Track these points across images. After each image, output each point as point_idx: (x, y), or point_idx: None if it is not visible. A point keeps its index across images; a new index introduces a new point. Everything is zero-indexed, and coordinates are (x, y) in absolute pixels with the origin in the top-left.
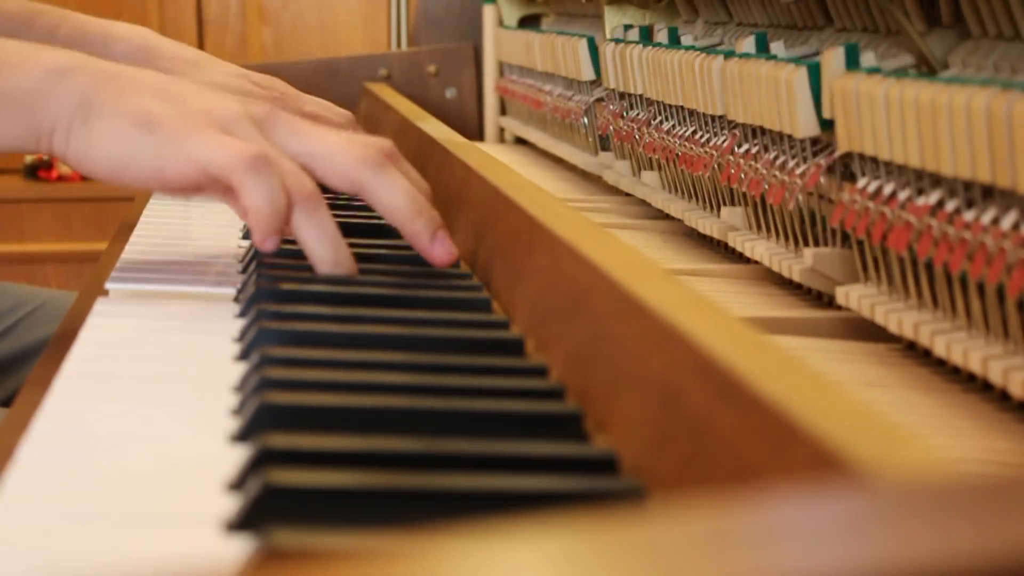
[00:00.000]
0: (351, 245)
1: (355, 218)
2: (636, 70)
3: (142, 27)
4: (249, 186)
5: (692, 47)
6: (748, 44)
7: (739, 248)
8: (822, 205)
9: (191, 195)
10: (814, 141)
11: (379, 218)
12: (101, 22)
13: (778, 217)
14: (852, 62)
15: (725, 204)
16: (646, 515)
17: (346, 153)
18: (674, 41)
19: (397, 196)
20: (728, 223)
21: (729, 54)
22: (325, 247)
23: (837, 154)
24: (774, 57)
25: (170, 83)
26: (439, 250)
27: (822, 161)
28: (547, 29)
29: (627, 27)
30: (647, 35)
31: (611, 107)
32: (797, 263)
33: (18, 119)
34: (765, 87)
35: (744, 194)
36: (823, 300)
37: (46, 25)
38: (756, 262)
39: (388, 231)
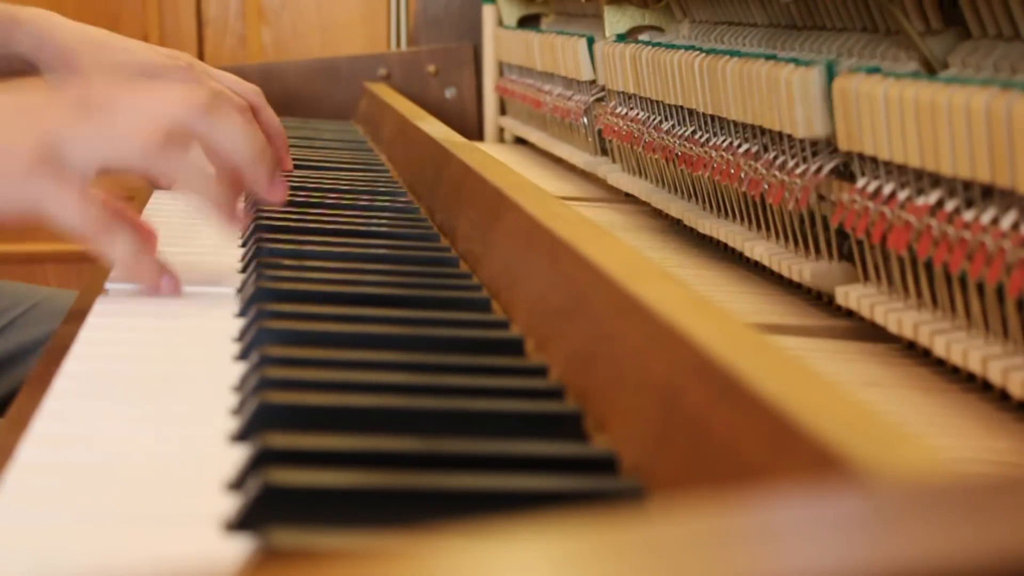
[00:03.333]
0: (350, 246)
1: (355, 219)
2: (632, 70)
3: (48, 11)
4: (108, 247)
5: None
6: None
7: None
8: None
9: None
10: (818, 143)
11: (378, 219)
12: (5, 6)
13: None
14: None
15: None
16: (646, 515)
17: (184, 100)
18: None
19: (238, 141)
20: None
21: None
22: (200, 183)
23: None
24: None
25: None
26: (276, 195)
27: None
28: (547, 29)
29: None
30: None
31: (611, 107)
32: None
33: None
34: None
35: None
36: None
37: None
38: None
39: (387, 232)
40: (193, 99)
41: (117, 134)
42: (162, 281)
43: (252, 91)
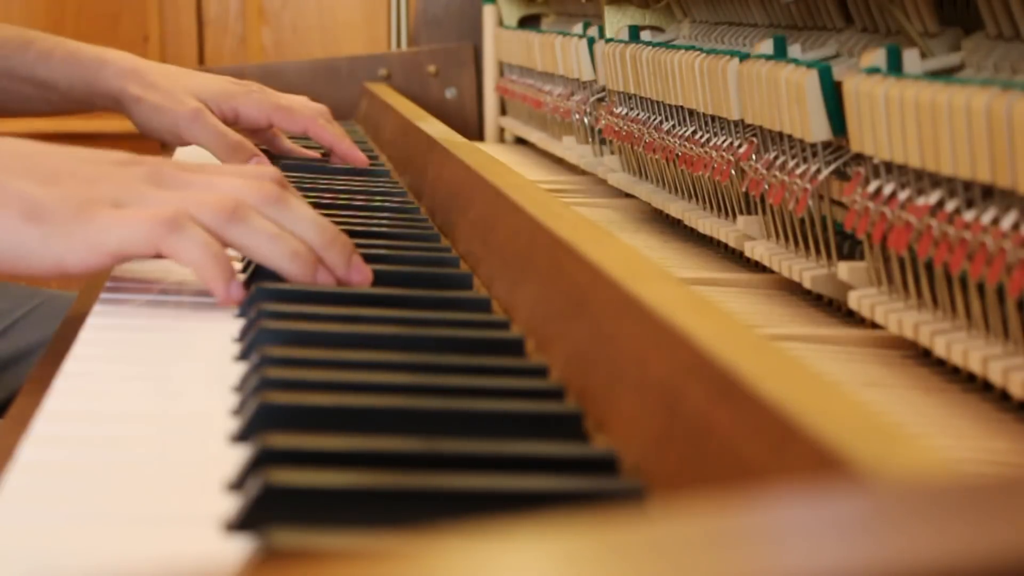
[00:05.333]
0: None
1: (354, 219)
2: (632, 70)
3: (130, 54)
4: (180, 248)
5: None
6: (766, 47)
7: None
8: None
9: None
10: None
11: (378, 220)
12: (93, 48)
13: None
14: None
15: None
16: (646, 515)
17: (254, 186)
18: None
19: (308, 228)
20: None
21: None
22: (277, 247)
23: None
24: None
25: (44, 154)
26: (356, 276)
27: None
28: (547, 29)
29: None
30: (636, 35)
31: (611, 107)
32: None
33: None
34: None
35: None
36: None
37: (41, 50)
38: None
39: (387, 232)
40: (264, 188)
41: (191, 197)
42: (231, 287)
43: (320, 110)
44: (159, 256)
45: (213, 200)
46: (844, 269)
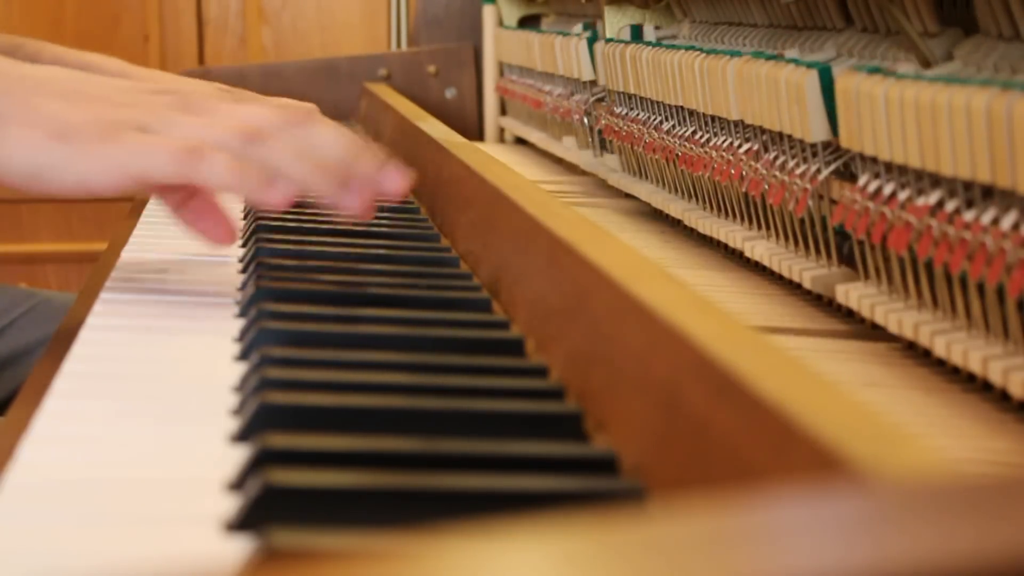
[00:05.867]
0: (350, 246)
1: (354, 219)
2: (632, 70)
3: (117, 58)
4: (207, 173)
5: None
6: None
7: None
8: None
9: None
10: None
11: (378, 220)
12: (79, 52)
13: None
14: (635, 37)
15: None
16: (646, 515)
17: (271, 115)
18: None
19: (332, 146)
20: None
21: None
22: (300, 165)
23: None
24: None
25: (77, 80)
26: (390, 185)
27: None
28: (547, 29)
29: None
30: (638, 34)
31: (611, 107)
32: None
33: None
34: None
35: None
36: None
37: (27, 55)
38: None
39: (387, 232)
40: (286, 113)
41: (211, 123)
42: (274, 191)
43: (310, 108)
44: (183, 183)
45: (236, 125)
46: (842, 292)
